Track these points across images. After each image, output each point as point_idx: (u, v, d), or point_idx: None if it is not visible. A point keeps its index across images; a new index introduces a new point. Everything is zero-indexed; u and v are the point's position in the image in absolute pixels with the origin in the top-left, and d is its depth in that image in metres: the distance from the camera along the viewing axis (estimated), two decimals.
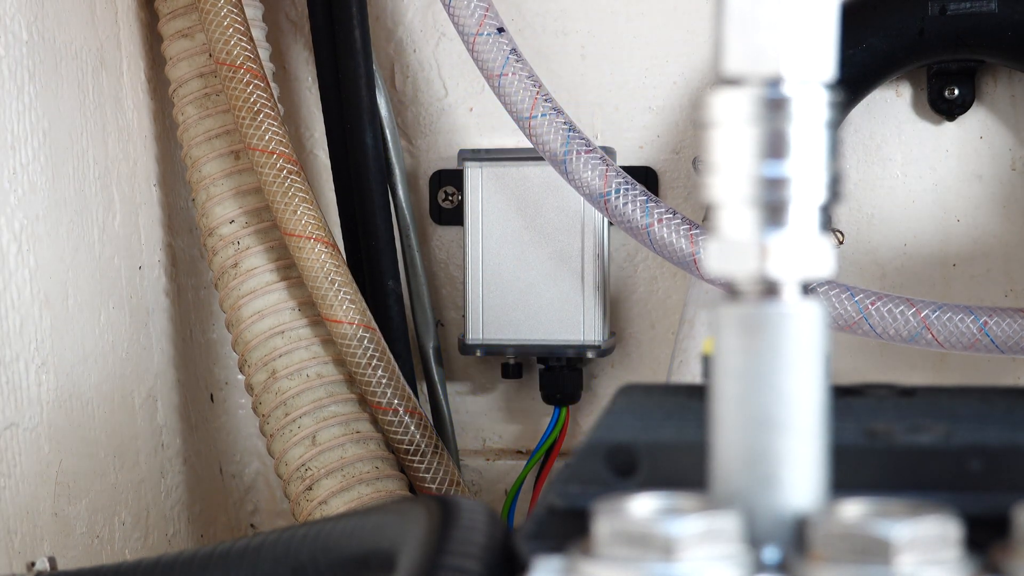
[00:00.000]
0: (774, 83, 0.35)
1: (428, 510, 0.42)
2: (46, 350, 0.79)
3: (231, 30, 0.89)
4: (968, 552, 0.34)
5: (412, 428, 0.91)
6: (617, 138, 1.03)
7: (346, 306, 0.90)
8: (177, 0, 0.94)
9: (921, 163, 1.00)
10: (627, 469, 0.41)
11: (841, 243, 1.01)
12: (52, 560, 0.64)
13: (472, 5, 0.86)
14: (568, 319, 0.98)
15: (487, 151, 1.00)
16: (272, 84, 0.94)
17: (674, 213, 0.85)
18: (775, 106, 0.35)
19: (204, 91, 0.93)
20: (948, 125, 0.99)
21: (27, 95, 0.78)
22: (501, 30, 0.86)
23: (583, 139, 0.86)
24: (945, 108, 0.98)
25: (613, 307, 1.04)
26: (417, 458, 0.91)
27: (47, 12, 0.81)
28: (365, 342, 0.90)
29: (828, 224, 0.36)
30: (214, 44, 0.89)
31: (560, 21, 1.03)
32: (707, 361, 0.38)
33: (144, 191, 0.96)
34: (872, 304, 0.82)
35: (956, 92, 0.97)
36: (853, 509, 0.35)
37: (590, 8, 1.03)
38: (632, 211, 0.84)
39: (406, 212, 1.03)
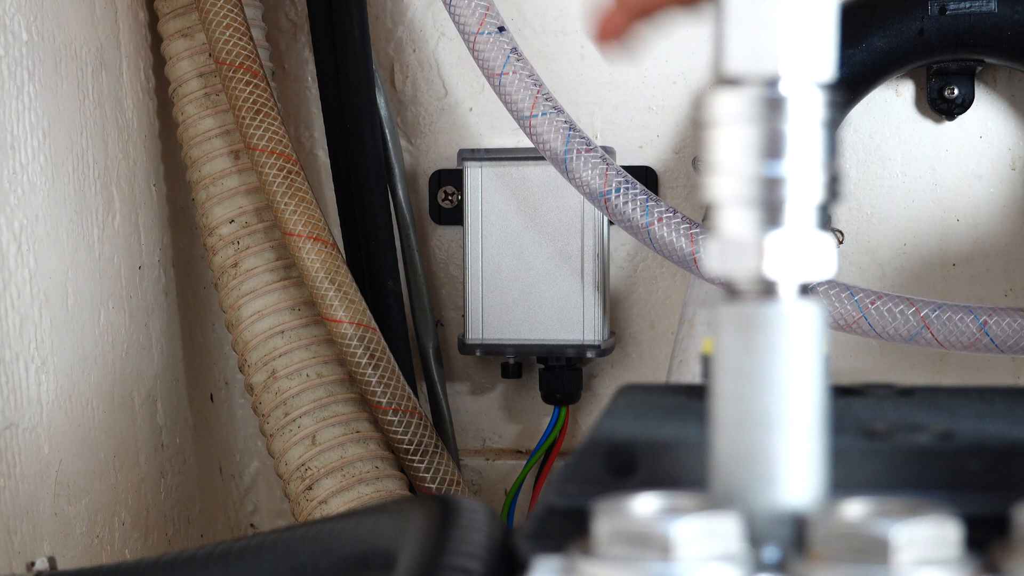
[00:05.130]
0: (773, 83, 0.35)
1: (428, 510, 0.42)
2: (46, 350, 0.79)
3: (231, 30, 0.89)
4: (968, 552, 0.34)
5: (412, 428, 0.91)
6: (617, 138, 1.03)
7: (346, 306, 0.90)
8: (177, 0, 0.94)
9: (921, 162, 1.00)
10: (626, 469, 0.41)
11: (841, 243, 1.01)
12: (52, 560, 0.64)
13: (473, 4, 0.86)
14: (568, 319, 0.98)
15: (487, 151, 1.00)
16: (272, 84, 0.94)
17: (674, 212, 0.85)
18: (774, 106, 0.35)
19: (204, 91, 0.93)
20: (948, 124, 0.99)
21: (27, 95, 0.78)
22: (502, 29, 0.86)
23: (584, 138, 0.86)
24: (945, 108, 0.98)
25: (613, 307, 1.04)
26: (417, 458, 0.91)
27: (47, 12, 0.81)
28: (365, 342, 0.90)
29: (828, 224, 0.36)
30: (214, 44, 0.89)
31: (560, 21, 1.03)
32: (707, 361, 0.38)
33: (144, 191, 0.96)
34: (872, 303, 0.82)
35: (956, 92, 0.97)
36: (852, 509, 0.35)
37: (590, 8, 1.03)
38: (632, 210, 0.84)
39: (406, 212, 1.03)
